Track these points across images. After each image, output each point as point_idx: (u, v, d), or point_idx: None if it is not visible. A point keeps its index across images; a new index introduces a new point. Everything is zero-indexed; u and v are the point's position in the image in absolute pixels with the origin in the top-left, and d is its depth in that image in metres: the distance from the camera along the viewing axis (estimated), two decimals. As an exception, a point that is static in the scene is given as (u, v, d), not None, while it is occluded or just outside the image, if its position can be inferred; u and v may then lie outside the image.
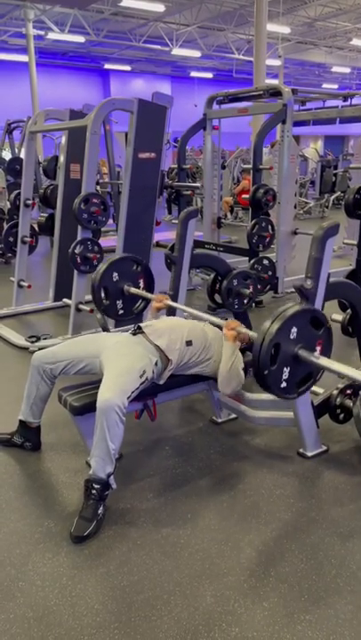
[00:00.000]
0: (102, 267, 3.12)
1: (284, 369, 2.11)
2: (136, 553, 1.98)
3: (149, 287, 3.28)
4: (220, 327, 2.68)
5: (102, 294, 3.15)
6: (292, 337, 2.09)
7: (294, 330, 2.09)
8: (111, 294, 3.17)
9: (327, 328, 2.19)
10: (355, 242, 4.51)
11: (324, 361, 2.10)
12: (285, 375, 2.12)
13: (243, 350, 2.72)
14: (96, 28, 16.70)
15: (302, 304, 2.20)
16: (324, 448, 2.63)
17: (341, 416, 2.67)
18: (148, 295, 3.17)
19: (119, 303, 3.22)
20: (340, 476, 2.43)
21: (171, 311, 3.24)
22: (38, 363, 2.50)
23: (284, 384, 2.13)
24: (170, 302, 2.99)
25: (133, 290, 3.18)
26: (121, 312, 3.26)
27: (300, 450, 2.61)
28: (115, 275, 3.14)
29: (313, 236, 2.35)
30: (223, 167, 10.15)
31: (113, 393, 2.14)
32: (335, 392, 2.63)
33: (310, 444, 2.59)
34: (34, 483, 2.43)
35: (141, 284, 3.25)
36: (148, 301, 3.22)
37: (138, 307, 3.29)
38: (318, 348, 2.17)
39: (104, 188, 8.67)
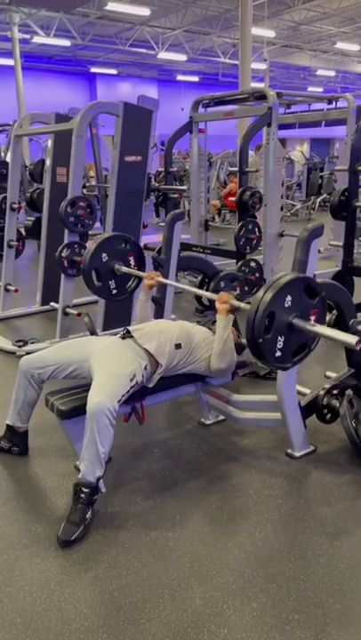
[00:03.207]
0: (91, 248, 3.08)
1: (279, 338, 2.09)
2: (125, 556, 1.98)
3: (140, 264, 3.26)
4: (212, 301, 2.69)
5: (94, 276, 3.12)
6: (286, 305, 2.07)
7: (289, 298, 2.07)
8: (103, 275, 3.15)
9: (322, 297, 2.18)
10: (341, 243, 4.55)
11: (319, 328, 2.07)
12: (280, 344, 2.10)
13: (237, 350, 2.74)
14: (82, 31, 16.69)
15: (296, 272, 2.18)
16: (312, 448, 2.64)
17: (328, 416, 2.68)
18: (140, 273, 3.15)
19: (112, 283, 3.20)
20: (327, 475, 2.45)
21: (158, 313, 3.24)
22: (26, 368, 2.49)
23: (278, 353, 2.11)
24: (161, 279, 2.98)
25: (125, 269, 3.15)
26: (114, 292, 3.24)
27: (288, 450, 2.62)
28: (104, 255, 3.10)
29: (298, 237, 2.37)
30: (210, 163, 10.18)
31: (104, 396, 2.14)
32: (322, 392, 2.65)
33: (298, 445, 2.60)
34: (21, 488, 2.42)
35: (132, 262, 3.23)
36: (140, 279, 3.21)
37: (130, 285, 3.27)
38: (313, 318, 2.15)
39: (91, 192, 8.66)
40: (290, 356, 2.17)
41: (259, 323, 2.00)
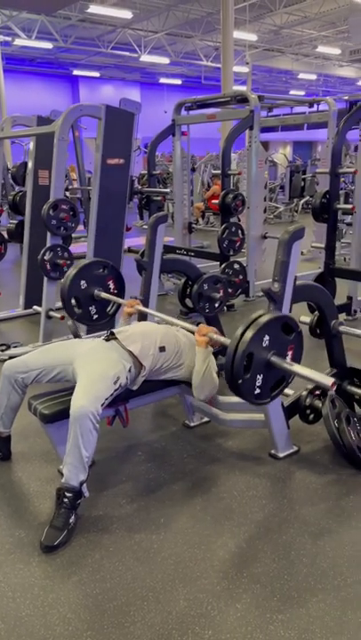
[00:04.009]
0: (69, 276, 3.09)
1: (258, 376, 2.11)
2: (109, 560, 1.97)
3: (119, 288, 3.26)
4: (192, 332, 2.68)
5: (73, 304, 3.13)
6: (264, 345, 2.09)
7: (266, 338, 2.09)
8: (82, 302, 3.15)
9: (298, 333, 2.21)
10: (323, 245, 4.59)
11: (296, 368, 2.10)
12: (259, 382, 2.12)
13: (215, 354, 2.73)
14: (64, 34, 16.64)
15: (273, 312, 2.21)
16: (295, 449, 2.66)
17: (311, 417, 2.70)
18: (119, 300, 3.16)
19: (92, 309, 3.19)
20: (310, 475, 2.47)
21: (142, 315, 3.24)
22: (9, 372, 2.46)
23: (257, 391, 2.13)
24: (141, 307, 2.99)
25: (104, 295, 3.17)
26: (95, 317, 3.23)
27: (272, 451, 2.63)
28: (82, 282, 3.11)
29: (279, 239, 2.39)
30: (193, 169, 10.22)
31: (87, 400, 2.13)
32: (305, 393, 2.67)
33: (281, 445, 2.62)
34: (4, 493, 2.40)
35: (111, 286, 3.23)
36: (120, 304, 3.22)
37: (111, 309, 3.28)
38: (290, 353, 2.18)
39: (73, 194, 8.63)
40: (268, 391, 2.19)
41: (238, 364, 2.02)
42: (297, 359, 2.21)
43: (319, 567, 1.92)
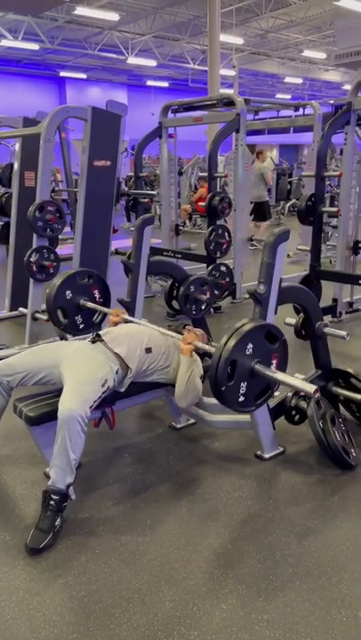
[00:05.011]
0: (54, 286, 3.09)
1: (242, 384, 2.12)
2: (95, 562, 1.97)
3: (105, 297, 3.27)
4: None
5: (60, 315, 3.13)
6: (248, 352, 2.11)
7: (250, 346, 2.11)
8: (69, 312, 3.16)
9: (282, 341, 2.23)
10: (308, 247, 4.63)
11: (279, 375, 2.12)
12: (243, 390, 2.13)
13: (202, 356, 2.74)
14: (50, 35, 16.57)
15: (256, 320, 2.23)
16: (281, 449, 2.68)
17: (297, 417, 2.72)
18: (104, 309, 3.16)
19: (78, 319, 3.21)
20: (296, 476, 2.48)
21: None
22: (-6, 375, 2.45)
23: (242, 398, 2.15)
24: (126, 316, 2.99)
25: (90, 304, 3.17)
26: (82, 326, 3.25)
27: (258, 452, 2.65)
28: (68, 293, 3.12)
29: (265, 242, 2.41)
30: (180, 173, 10.24)
31: (75, 403, 2.12)
32: (290, 394, 2.69)
33: (267, 446, 2.63)
34: (-11, 496, 2.38)
35: (97, 295, 3.24)
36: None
37: (97, 318, 3.28)
38: (274, 362, 2.20)
39: (58, 196, 8.60)
40: (253, 400, 2.21)
41: (221, 371, 2.04)
42: (281, 367, 2.22)
43: (304, 567, 1.93)
